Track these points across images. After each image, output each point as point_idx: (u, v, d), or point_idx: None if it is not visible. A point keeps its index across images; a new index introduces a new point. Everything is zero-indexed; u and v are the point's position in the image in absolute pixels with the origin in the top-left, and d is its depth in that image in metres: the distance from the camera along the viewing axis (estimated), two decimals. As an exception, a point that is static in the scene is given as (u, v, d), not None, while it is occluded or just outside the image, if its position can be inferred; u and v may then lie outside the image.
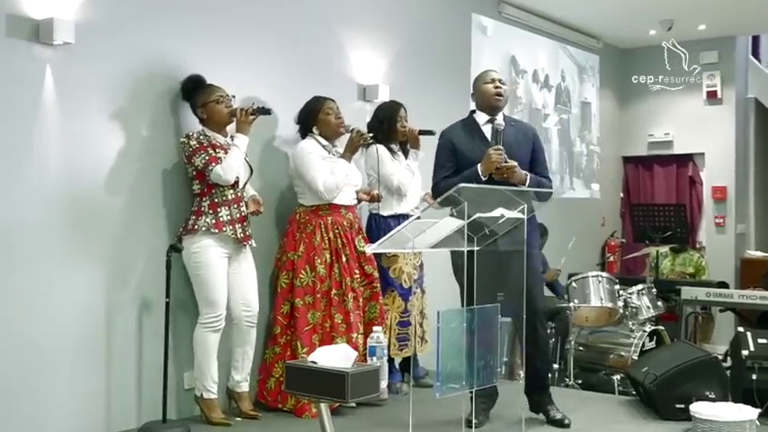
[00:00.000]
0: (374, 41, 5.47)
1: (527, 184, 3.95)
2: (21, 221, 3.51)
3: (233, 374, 4.21)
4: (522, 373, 4.02)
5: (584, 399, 4.94)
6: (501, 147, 3.93)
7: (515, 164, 3.93)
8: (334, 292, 4.33)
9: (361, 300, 4.43)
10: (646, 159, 8.98)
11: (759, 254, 8.51)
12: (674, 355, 4.64)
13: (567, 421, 3.99)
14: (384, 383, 3.52)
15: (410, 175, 4.86)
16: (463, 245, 3.42)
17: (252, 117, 4.10)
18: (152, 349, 3.95)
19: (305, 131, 4.52)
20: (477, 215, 3.45)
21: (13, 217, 3.49)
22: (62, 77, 3.63)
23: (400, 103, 4.96)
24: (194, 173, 4.02)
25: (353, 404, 4.15)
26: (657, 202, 8.50)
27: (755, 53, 9.25)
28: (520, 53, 7.22)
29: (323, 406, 3.17)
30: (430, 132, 4.92)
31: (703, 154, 8.63)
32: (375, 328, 3.42)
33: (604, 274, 5.98)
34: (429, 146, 5.02)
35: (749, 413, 3.87)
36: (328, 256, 4.34)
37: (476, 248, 3.48)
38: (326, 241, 4.35)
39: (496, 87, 4.10)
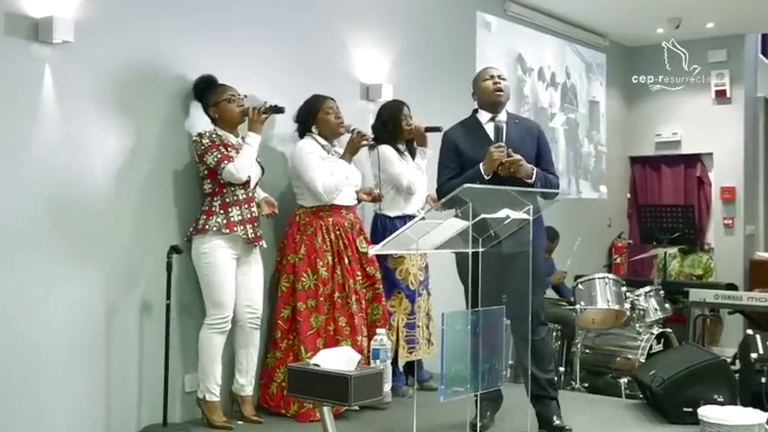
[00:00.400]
0: (377, 40, 5.48)
1: (533, 178, 3.91)
2: (20, 221, 3.52)
3: (237, 377, 4.21)
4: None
5: (591, 402, 4.94)
6: (503, 144, 3.91)
7: (520, 157, 3.89)
8: (337, 294, 4.32)
9: (363, 302, 4.43)
10: (653, 159, 8.97)
11: (768, 255, 8.52)
12: (681, 358, 4.64)
13: (567, 427, 3.97)
14: (388, 386, 3.53)
15: (420, 173, 4.87)
16: (467, 246, 3.42)
17: (264, 116, 4.13)
18: (153, 351, 3.95)
19: (303, 131, 4.51)
20: (482, 216, 3.45)
21: (13, 217, 3.49)
22: (62, 77, 3.64)
23: (403, 102, 4.96)
24: (206, 172, 4.04)
25: (357, 407, 4.16)
26: (665, 202, 8.49)
27: (765, 51, 9.25)
28: (526, 51, 7.22)
29: (325, 409, 3.18)
30: (437, 129, 4.92)
31: (712, 154, 8.62)
32: (378, 331, 3.42)
33: (611, 275, 5.99)
34: (437, 143, 5.04)
35: (758, 417, 3.86)
36: (330, 258, 4.33)
37: (480, 250, 3.48)
38: (328, 243, 4.34)
39: (495, 83, 4.07)
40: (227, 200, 4.03)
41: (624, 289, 5.79)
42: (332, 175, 4.32)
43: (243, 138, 4.11)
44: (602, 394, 5.36)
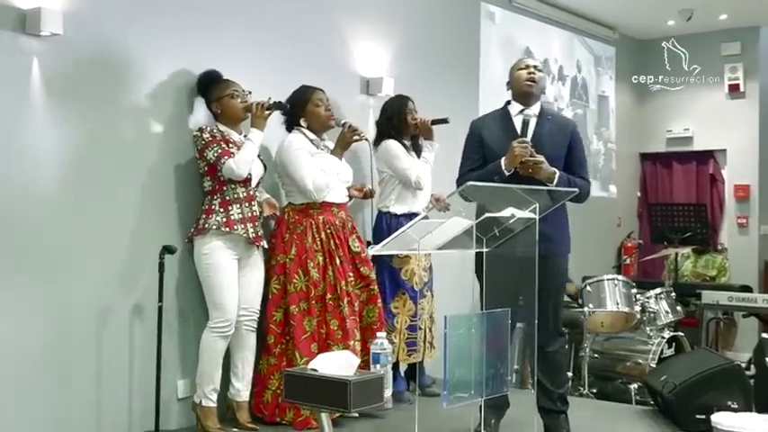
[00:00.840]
0: (378, 33, 5.47)
1: (555, 182, 3.86)
2: (8, 216, 3.50)
3: (233, 382, 4.20)
4: (532, 383, 4.01)
5: (600, 409, 4.93)
6: (527, 140, 3.85)
7: (542, 159, 3.84)
8: (329, 296, 4.26)
9: (356, 304, 4.36)
10: (664, 156, 8.96)
11: (784, 256, 8.49)
12: (694, 363, 4.63)
13: None
14: (388, 392, 3.52)
15: (428, 168, 4.87)
16: (481, 245, 3.41)
17: (267, 112, 4.12)
18: (146, 356, 3.94)
19: (291, 124, 4.44)
20: (487, 215, 3.44)
21: (1, 211, 3.48)
22: (50, 70, 3.63)
23: (407, 96, 4.96)
24: (206, 168, 4.04)
25: (356, 414, 4.15)
26: (676, 201, 8.48)
27: (780, 44, 9.22)
28: (533, 43, 7.20)
29: (323, 416, 3.16)
30: (444, 121, 4.93)
31: (725, 150, 8.60)
32: (379, 335, 3.41)
33: (620, 277, 5.97)
34: (443, 136, 5.04)
35: (774, 424, 3.86)
36: (321, 258, 4.27)
37: (484, 250, 3.47)
38: (319, 242, 4.28)
39: (530, 73, 4.02)
40: (228, 198, 4.02)
41: (634, 291, 5.78)
42: (322, 172, 4.27)
43: (244, 136, 4.11)
44: (612, 400, 5.35)
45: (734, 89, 8.38)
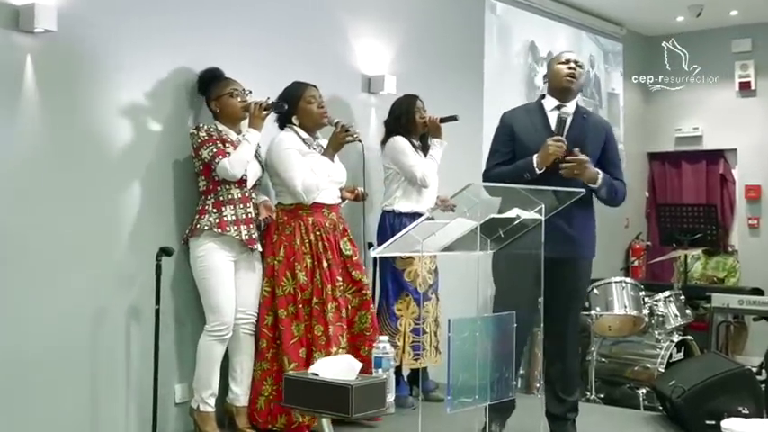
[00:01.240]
0: (379, 29, 5.47)
1: (598, 183, 3.85)
2: (4, 221, 3.51)
3: (232, 386, 4.20)
4: (539, 388, 4.02)
5: (607, 414, 4.93)
6: (563, 138, 3.82)
7: (586, 158, 3.81)
8: (315, 300, 4.20)
9: (344, 310, 4.29)
10: (673, 156, 8.95)
11: (796, 258, 8.48)
12: (703, 368, 4.63)
13: None
14: (391, 397, 3.52)
15: (434, 165, 4.87)
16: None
17: (266, 112, 4.11)
18: (142, 359, 3.95)
19: (283, 121, 4.40)
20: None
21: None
22: (44, 68, 3.63)
23: (416, 96, 4.98)
24: (201, 167, 4.04)
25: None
26: (686, 201, 8.47)
27: (792, 41, 9.22)
28: (539, 38, 7.18)
29: (325, 421, 3.17)
30: (453, 118, 4.94)
31: (735, 150, 8.60)
32: (381, 338, 3.41)
33: (628, 279, 5.98)
34: (452, 135, 5.04)
35: (785, 430, 3.86)
36: (309, 261, 4.22)
37: (489, 250, 3.47)
38: (307, 244, 4.23)
39: (570, 68, 3.97)
40: (221, 198, 4.02)
41: (642, 293, 5.78)
42: (312, 174, 4.22)
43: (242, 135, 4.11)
44: (619, 406, 5.36)
45: (744, 87, 8.37)
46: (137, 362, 3.97)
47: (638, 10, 7.94)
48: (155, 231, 4.04)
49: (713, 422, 4.18)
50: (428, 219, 3.53)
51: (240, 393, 4.19)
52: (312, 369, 3.19)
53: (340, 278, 4.30)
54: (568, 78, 3.96)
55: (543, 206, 3.45)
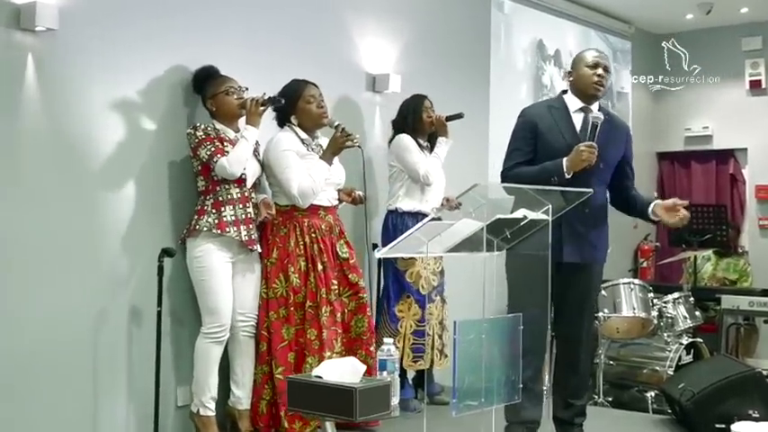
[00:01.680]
0: (384, 27, 5.48)
1: None
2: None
3: (233, 389, 4.20)
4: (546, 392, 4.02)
5: (615, 418, 4.93)
6: (595, 144, 3.77)
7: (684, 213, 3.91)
8: (308, 304, 4.17)
9: (339, 314, 4.26)
10: (682, 155, 8.95)
11: (808, 259, 8.47)
12: (713, 370, 4.63)
13: None
14: (396, 400, 3.53)
15: (438, 164, 4.88)
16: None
17: (262, 108, 4.11)
18: (143, 362, 3.96)
19: (282, 120, 4.38)
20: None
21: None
22: (45, 67, 3.65)
23: (424, 95, 5.00)
24: (199, 167, 4.04)
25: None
26: (695, 202, 8.45)
27: (804, 38, 9.20)
28: (546, 36, 7.18)
29: (328, 425, 3.18)
30: (459, 116, 4.97)
31: (746, 149, 8.58)
32: (386, 340, 3.42)
33: (637, 281, 5.97)
34: (458, 134, 5.04)
35: (796, 434, 3.86)
36: (303, 263, 4.19)
37: (495, 252, 3.47)
38: (301, 246, 4.20)
39: (599, 76, 3.91)
40: (221, 198, 4.02)
41: (651, 295, 5.77)
42: (309, 177, 4.19)
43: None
44: (628, 409, 5.35)
45: (755, 86, 8.35)
46: (137, 364, 3.98)
47: (646, 8, 7.94)
48: (154, 232, 4.06)
49: (723, 426, 4.18)
50: (434, 219, 3.53)
51: (242, 396, 4.19)
52: (315, 372, 3.20)
53: (335, 282, 4.27)
54: (596, 86, 3.92)
55: (550, 207, 3.46)
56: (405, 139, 4.86)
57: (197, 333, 4.09)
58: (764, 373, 4.70)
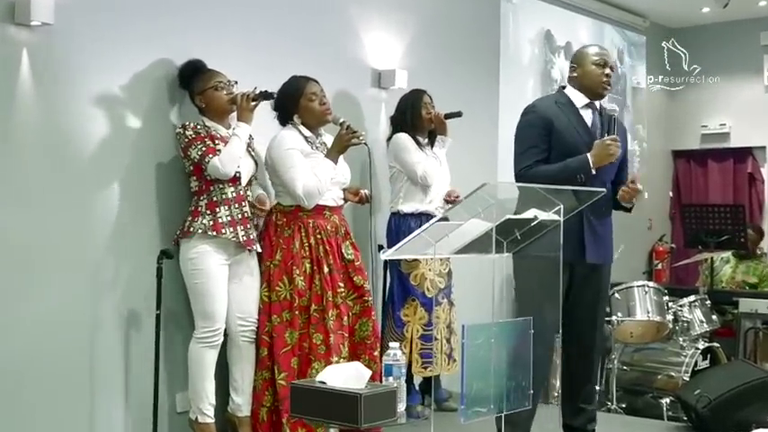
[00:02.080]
0: (390, 22, 5.47)
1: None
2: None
3: (232, 396, 4.19)
4: (557, 397, 4.01)
5: (629, 425, 4.92)
6: (618, 138, 3.82)
7: (641, 188, 3.88)
8: (313, 308, 4.15)
9: (346, 318, 4.25)
10: (698, 154, 8.93)
11: (829, 261, 8.43)
12: (730, 376, 4.62)
13: None
14: (402, 406, 3.52)
15: (437, 164, 4.87)
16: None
17: (254, 103, 4.08)
18: (140, 367, 3.95)
19: (284, 119, 4.36)
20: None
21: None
22: (41, 62, 3.65)
23: (423, 90, 4.98)
24: (191, 167, 4.02)
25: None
26: (712, 202, 8.45)
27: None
28: (556, 26, 7.13)
29: (333, 432, 3.17)
30: (457, 114, 4.96)
31: (764, 148, 8.57)
32: (392, 345, 3.40)
33: (651, 283, 5.96)
34: (467, 131, 5.03)
35: (817, 442, 3.84)
36: (308, 265, 4.18)
37: (504, 253, 3.46)
38: (306, 248, 4.18)
39: (608, 76, 3.96)
40: (215, 198, 4.00)
41: (666, 298, 5.76)
42: (314, 177, 4.17)
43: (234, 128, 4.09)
44: (642, 416, 5.34)
45: (774, 81, 8.34)
46: (135, 370, 3.98)
47: (661, 1, 7.91)
48: (147, 233, 4.05)
49: (741, 433, 4.17)
50: (441, 219, 3.52)
51: (242, 403, 4.18)
52: (319, 377, 3.19)
53: (342, 284, 4.27)
54: (605, 86, 3.96)
55: (562, 207, 3.44)
56: (402, 138, 4.83)
57: (197, 337, 4.10)
58: (783, 378, 4.69)
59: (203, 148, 3.95)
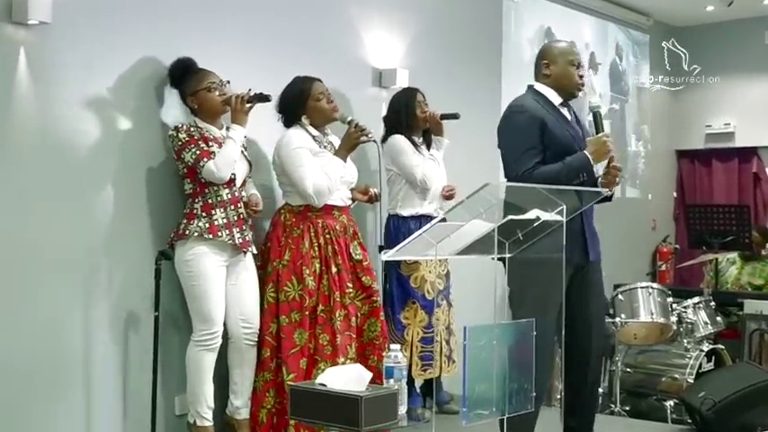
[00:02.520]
0: (391, 20, 5.48)
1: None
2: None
3: (231, 399, 4.20)
4: (559, 399, 4.02)
5: (632, 428, 4.93)
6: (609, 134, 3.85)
7: (620, 166, 3.84)
8: (320, 308, 4.19)
9: (353, 318, 4.28)
10: (703, 153, 8.93)
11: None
12: (735, 378, 4.62)
13: None
14: (403, 409, 3.53)
15: (435, 165, 4.86)
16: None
17: (249, 105, 4.09)
18: (139, 371, 3.96)
19: (291, 121, 4.38)
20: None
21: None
22: (38, 61, 3.66)
23: (416, 89, 4.97)
24: (185, 170, 4.02)
25: None
26: (716, 202, 8.45)
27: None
28: (557, 24, 7.11)
29: (333, 435, 3.17)
30: (454, 116, 4.93)
31: (770, 147, 8.58)
32: (392, 347, 3.41)
33: (655, 284, 5.97)
34: (468, 130, 5.03)
35: (823, 445, 3.85)
36: (318, 265, 4.21)
37: (507, 255, 3.47)
38: (316, 248, 4.21)
39: (581, 76, 3.96)
40: (210, 201, 4.00)
41: (670, 300, 5.76)
42: (324, 175, 4.21)
43: (227, 129, 4.09)
44: (646, 419, 5.34)
45: (779, 80, 8.34)
46: (133, 372, 3.99)
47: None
48: (143, 234, 4.06)
49: (746, 436, 4.17)
50: (442, 220, 3.53)
51: (241, 406, 4.19)
52: (320, 379, 3.20)
53: (350, 284, 4.30)
54: (579, 87, 3.98)
55: (565, 207, 3.45)
56: (398, 140, 4.82)
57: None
58: (789, 381, 4.69)
59: (197, 152, 3.95)
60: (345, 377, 3.14)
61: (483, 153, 5.89)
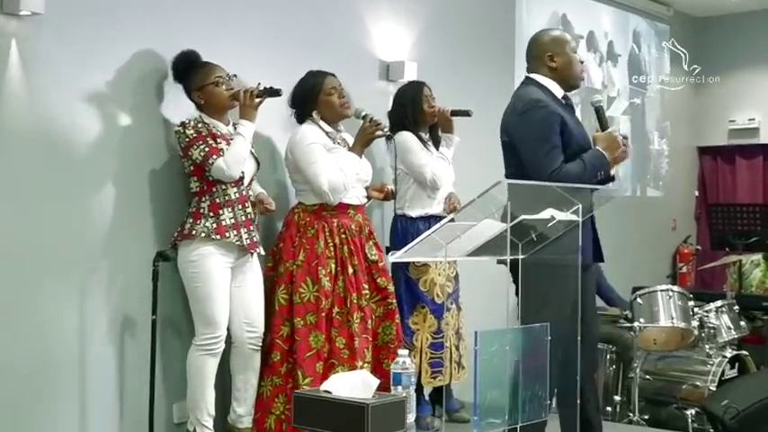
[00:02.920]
0: (399, 12, 5.48)
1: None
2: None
3: (234, 406, 4.19)
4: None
5: (652, 437, 4.91)
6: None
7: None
8: (336, 310, 4.21)
9: (370, 321, 4.30)
10: (726, 150, 8.91)
11: None
12: (760, 386, 4.62)
13: None
14: (411, 417, 3.53)
15: (445, 164, 4.85)
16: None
17: (258, 100, 4.08)
18: (137, 376, 3.96)
19: (303, 117, 4.40)
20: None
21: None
22: (30, 53, 3.66)
23: (422, 82, 4.96)
24: (192, 168, 4.02)
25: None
26: (740, 201, 8.43)
27: None
28: (573, 13, 7.09)
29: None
30: (465, 113, 4.90)
31: (796, 143, 8.56)
32: (400, 352, 3.41)
33: (676, 287, 5.94)
34: (480, 126, 5.01)
35: None
36: (333, 266, 4.23)
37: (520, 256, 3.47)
38: (331, 248, 4.23)
39: (582, 71, 3.99)
40: (218, 200, 4.00)
41: (691, 303, 5.75)
42: (340, 171, 4.23)
43: (234, 125, 4.08)
44: (666, 428, 5.32)
45: (805, 73, 8.32)
46: (130, 378, 3.99)
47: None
48: (143, 233, 4.06)
49: (771, 447, 4.16)
50: (451, 220, 3.52)
51: (243, 414, 4.18)
52: (324, 386, 3.20)
53: (366, 286, 4.31)
54: (582, 77, 4.02)
55: (580, 207, 3.44)
56: (406, 137, 4.79)
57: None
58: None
59: (206, 149, 3.94)
60: (351, 384, 3.14)
61: (494, 150, 5.88)
